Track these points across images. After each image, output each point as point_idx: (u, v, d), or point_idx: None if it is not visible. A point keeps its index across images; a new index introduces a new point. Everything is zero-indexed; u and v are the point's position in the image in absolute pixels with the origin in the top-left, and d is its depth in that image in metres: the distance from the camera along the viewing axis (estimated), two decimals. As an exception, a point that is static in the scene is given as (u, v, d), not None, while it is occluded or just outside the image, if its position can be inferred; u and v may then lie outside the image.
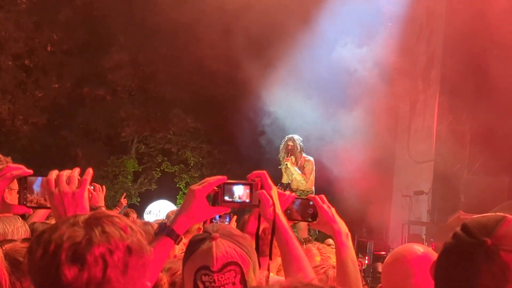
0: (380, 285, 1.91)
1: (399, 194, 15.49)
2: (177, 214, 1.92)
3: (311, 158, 9.46)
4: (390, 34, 13.31)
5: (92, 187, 4.34)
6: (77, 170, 1.89)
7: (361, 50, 13.62)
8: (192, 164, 21.62)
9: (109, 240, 1.33)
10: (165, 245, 1.85)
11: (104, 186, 4.56)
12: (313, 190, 9.30)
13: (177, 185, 21.52)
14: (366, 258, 12.48)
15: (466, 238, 1.44)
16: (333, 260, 3.44)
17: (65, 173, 1.86)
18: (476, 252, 1.39)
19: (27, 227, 3.30)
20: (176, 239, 1.88)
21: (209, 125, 20.23)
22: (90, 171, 1.88)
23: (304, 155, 9.42)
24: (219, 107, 19.14)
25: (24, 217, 4.02)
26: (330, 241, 5.51)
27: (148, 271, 1.41)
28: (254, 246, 1.94)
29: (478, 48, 12.14)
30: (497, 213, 1.46)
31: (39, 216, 4.11)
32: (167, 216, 6.55)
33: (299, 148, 9.33)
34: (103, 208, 4.30)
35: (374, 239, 14.08)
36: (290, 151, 9.28)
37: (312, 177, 9.35)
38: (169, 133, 20.82)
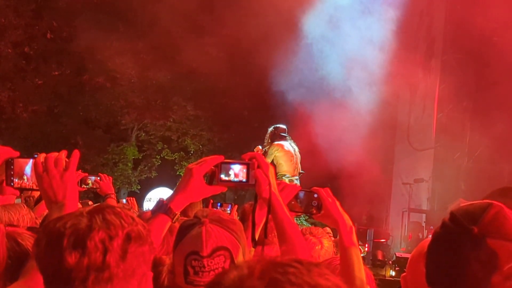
0: (404, 274, 1.89)
1: (399, 182, 15.51)
2: (174, 192, 1.94)
3: (281, 142, 9.31)
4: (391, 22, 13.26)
5: (99, 177, 4.44)
6: (64, 153, 1.89)
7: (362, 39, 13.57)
8: (192, 152, 21.60)
9: (109, 226, 1.37)
10: (162, 222, 1.87)
11: (107, 175, 4.61)
12: (295, 176, 9.22)
13: (177, 173, 21.52)
14: (366, 245, 12.52)
15: (453, 227, 1.43)
16: (326, 244, 3.47)
17: (52, 155, 1.87)
18: (463, 240, 1.39)
19: (33, 214, 3.29)
20: (173, 217, 1.89)
21: (209, 113, 20.19)
22: (77, 152, 1.88)
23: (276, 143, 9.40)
24: (219, 95, 19.11)
25: (30, 206, 4.02)
26: (328, 229, 5.54)
27: (149, 261, 1.44)
28: (243, 231, 1.95)
29: (478, 35, 12.09)
30: (484, 201, 1.46)
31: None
32: None
33: (267, 141, 9.48)
34: (113, 196, 4.42)
35: (374, 226, 14.11)
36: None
37: (282, 161, 9.19)
38: (169, 121, 20.79)
